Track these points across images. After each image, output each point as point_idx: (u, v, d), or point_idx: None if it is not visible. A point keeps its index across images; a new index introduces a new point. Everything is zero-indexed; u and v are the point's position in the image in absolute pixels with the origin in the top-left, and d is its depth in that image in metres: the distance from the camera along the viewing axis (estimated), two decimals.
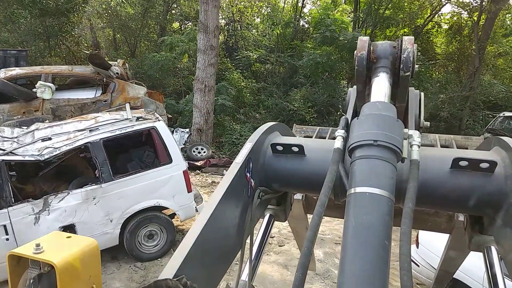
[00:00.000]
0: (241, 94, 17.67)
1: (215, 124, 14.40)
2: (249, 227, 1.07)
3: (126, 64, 10.17)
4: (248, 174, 1.06)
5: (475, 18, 16.27)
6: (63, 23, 17.13)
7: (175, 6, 24.05)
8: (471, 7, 17.42)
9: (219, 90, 15.62)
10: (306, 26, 23.31)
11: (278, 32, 20.62)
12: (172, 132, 10.99)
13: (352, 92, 1.36)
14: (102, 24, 20.73)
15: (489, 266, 1.15)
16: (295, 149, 1.13)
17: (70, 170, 6.38)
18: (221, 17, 22.51)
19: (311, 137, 2.32)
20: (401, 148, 0.88)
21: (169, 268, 0.75)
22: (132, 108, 7.37)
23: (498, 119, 14.73)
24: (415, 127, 1.25)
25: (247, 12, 21.47)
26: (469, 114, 14.46)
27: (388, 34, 22.00)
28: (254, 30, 24.69)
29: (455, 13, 19.90)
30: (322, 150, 1.13)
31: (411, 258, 5.19)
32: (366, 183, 0.80)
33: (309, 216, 1.69)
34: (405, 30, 21.78)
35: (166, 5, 23.14)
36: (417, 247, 5.21)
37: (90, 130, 5.55)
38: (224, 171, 12.02)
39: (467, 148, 2.10)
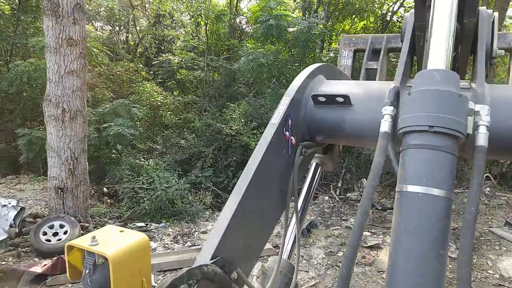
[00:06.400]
0: (157, 113, 12.49)
1: (106, 164, 9.32)
2: (293, 187, 1.03)
3: None
4: (287, 133, 1.01)
5: None
6: None
7: None
8: None
9: (117, 111, 10.35)
10: (245, 25, 18.59)
11: (209, 27, 15.64)
12: None
13: (409, 18, 1.28)
14: None
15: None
16: (340, 99, 1.05)
17: None
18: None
19: (363, 50, 2.30)
20: (464, 132, 0.79)
21: (206, 250, 0.74)
22: None
23: None
24: (487, 58, 1.11)
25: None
26: None
27: (345, 28, 18.00)
28: (181, 29, 19.68)
29: None
30: (370, 99, 1.06)
31: None
32: (419, 181, 0.73)
33: None
34: (364, 22, 17.88)
35: None
36: None
37: None
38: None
39: None
